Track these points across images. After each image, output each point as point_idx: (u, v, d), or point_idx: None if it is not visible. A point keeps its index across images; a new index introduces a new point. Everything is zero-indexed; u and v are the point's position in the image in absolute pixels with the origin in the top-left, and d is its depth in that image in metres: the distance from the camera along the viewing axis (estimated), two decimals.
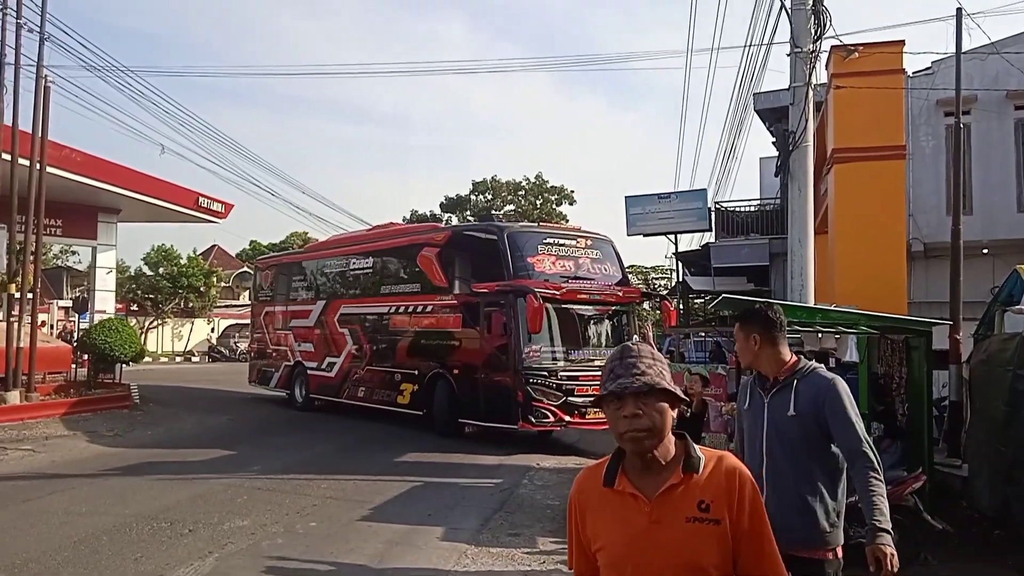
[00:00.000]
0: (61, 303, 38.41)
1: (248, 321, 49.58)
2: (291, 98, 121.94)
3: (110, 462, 11.20)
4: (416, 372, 14.89)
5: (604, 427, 12.94)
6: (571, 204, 52.26)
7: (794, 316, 9.09)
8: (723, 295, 9.61)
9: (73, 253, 45.14)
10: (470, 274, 13.95)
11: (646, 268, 42.70)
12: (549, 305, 12.75)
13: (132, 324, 21.56)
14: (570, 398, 12.62)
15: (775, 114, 19.27)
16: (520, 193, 52.00)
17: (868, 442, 3.05)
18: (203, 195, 29.48)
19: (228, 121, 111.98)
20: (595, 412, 12.34)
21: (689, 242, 27.62)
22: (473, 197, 51.11)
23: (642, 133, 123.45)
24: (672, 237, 26.54)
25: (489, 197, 51.22)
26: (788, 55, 11.30)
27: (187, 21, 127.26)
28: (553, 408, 12.55)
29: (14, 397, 15.12)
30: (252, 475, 10.27)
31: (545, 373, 12.60)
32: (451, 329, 14.29)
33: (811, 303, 10.36)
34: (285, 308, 20.05)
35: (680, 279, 27.65)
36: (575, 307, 13.42)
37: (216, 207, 30.20)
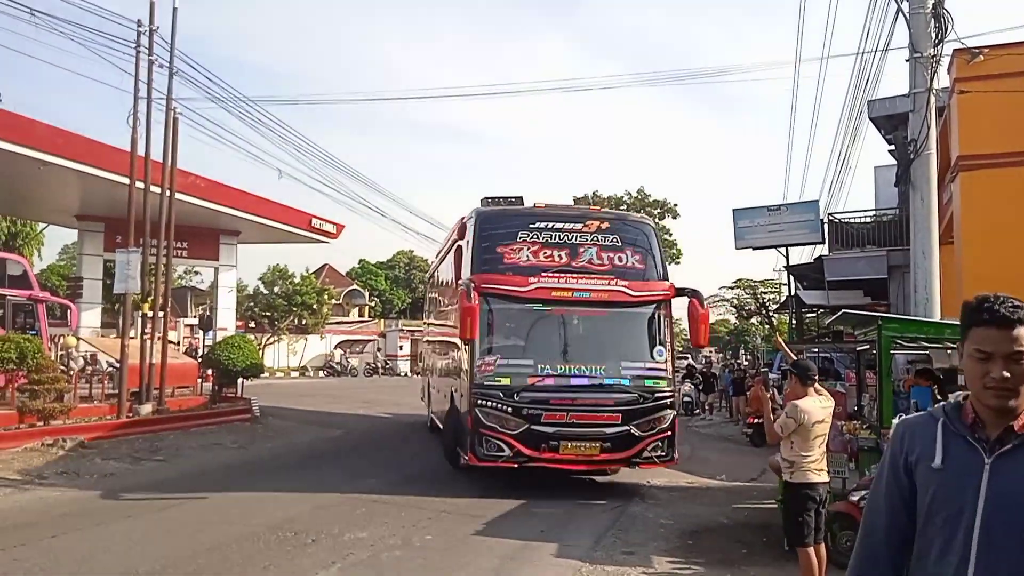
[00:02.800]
0: (186, 321, 40.70)
1: (359, 338, 51.67)
2: (398, 121, 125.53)
3: (235, 473, 11.73)
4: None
5: (582, 466, 10.56)
6: (674, 218, 51.56)
7: (920, 332, 8.74)
8: (843, 310, 9.29)
9: (196, 273, 47.67)
10: (466, 270, 11.50)
11: (755, 282, 41.59)
12: (514, 306, 10.42)
13: (251, 340, 22.55)
14: (535, 426, 9.95)
15: (891, 121, 18.54)
16: (622, 207, 51.68)
17: None
18: (316, 216, 30.85)
19: (341, 145, 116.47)
20: (573, 446, 10.04)
21: (800, 255, 26.82)
22: None
23: (746, 145, 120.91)
24: (783, 250, 25.85)
25: None
26: (907, 60, 10.89)
27: (301, 52, 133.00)
28: (509, 438, 9.91)
29: (146, 410, 16.05)
30: (368, 488, 10.54)
31: (500, 393, 10.05)
32: (452, 338, 12.27)
33: (937, 317, 9.91)
34: (425, 325, 20.45)
35: (792, 293, 26.86)
36: (555, 308, 10.55)
37: (328, 227, 31.55)
